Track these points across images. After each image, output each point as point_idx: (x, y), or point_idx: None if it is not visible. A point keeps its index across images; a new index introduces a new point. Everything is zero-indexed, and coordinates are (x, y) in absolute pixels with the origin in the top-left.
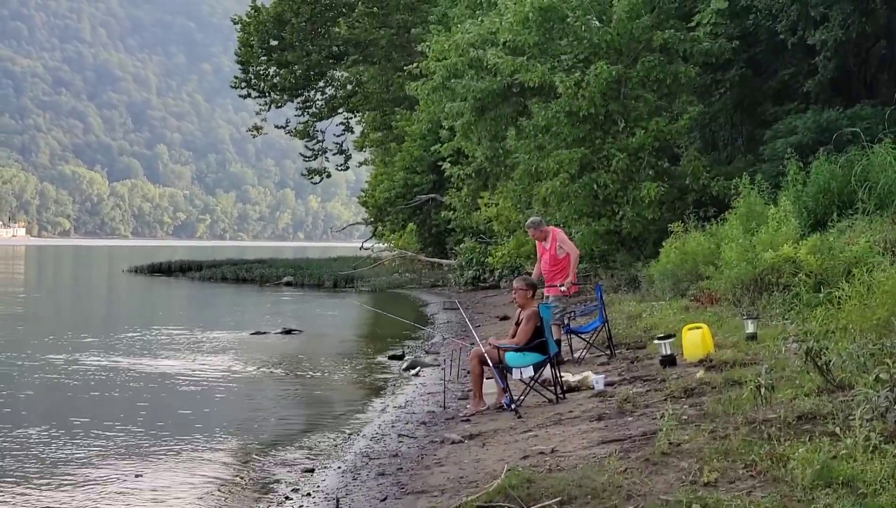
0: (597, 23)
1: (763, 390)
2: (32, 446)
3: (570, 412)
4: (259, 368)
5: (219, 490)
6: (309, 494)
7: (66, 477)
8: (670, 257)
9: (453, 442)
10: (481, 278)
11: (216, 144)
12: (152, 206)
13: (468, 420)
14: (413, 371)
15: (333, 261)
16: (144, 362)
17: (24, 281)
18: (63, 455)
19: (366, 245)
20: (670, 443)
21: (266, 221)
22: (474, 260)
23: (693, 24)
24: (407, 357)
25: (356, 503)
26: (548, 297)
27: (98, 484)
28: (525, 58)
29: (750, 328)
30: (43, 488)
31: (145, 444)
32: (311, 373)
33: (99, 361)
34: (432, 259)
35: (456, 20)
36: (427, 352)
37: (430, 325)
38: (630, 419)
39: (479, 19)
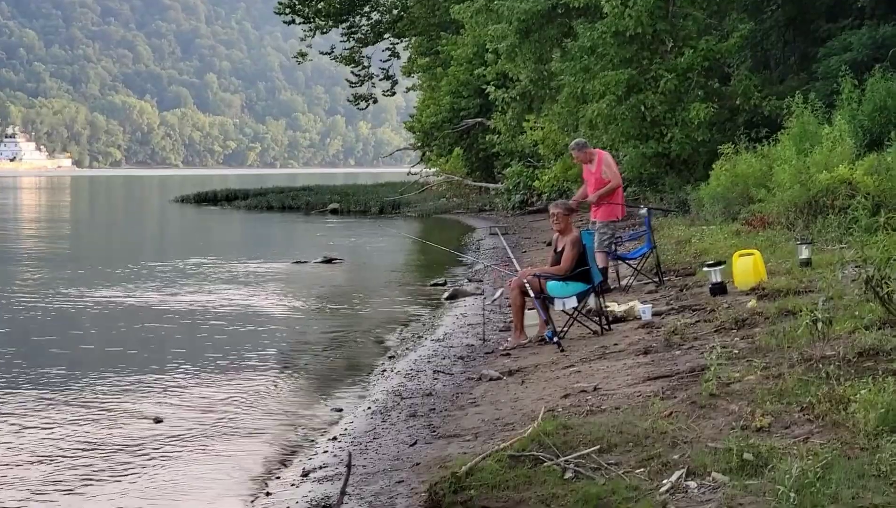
0: None
1: (820, 323)
2: (54, 379)
3: (616, 344)
4: (296, 299)
5: (244, 434)
6: (335, 438)
7: (88, 416)
8: (721, 180)
9: (491, 379)
10: (529, 201)
11: (265, 71)
12: (203, 135)
13: (508, 355)
14: (454, 301)
15: (381, 187)
16: (178, 295)
17: (67, 214)
18: (89, 391)
19: (413, 170)
20: (719, 382)
21: (316, 148)
22: (521, 184)
23: None
24: (449, 286)
25: (383, 448)
26: (594, 222)
27: (114, 425)
28: None
29: (804, 253)
30: (62, 423)
31: (169, 381)
32: (348, 305)
33: (133, 294)
34: (479, 183)
35: None
36: (470, 280)
37: (474, 251)
38: (678, 352)
39: None
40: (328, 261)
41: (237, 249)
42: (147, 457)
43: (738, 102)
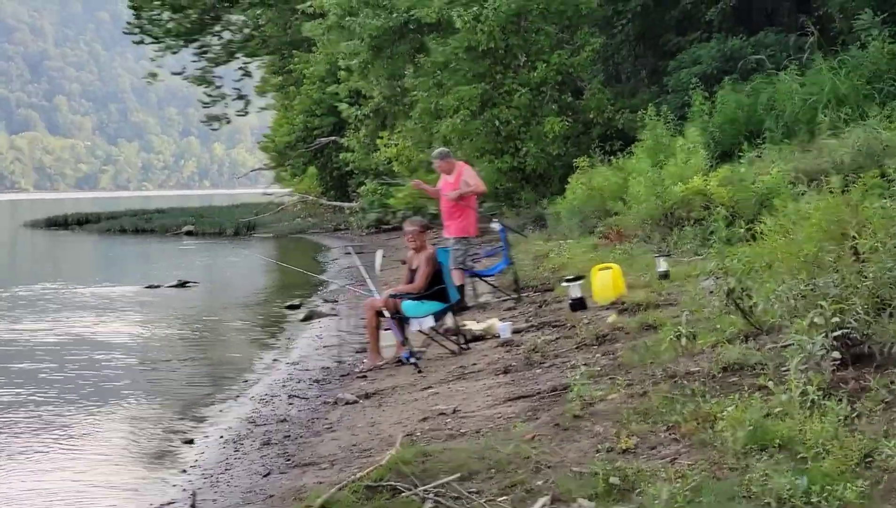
0: None
1: (683, 338)
2: None
3: (475, 364)
4: (147, 325)
5: (84, 471)
6: (185, 471)
7: None
8: (577, 194)
9: (347, 403)
10: (384, 220)
11: (117, 93)
12: (53, 158)
13: (365, 377)
14: (310, 322)
15: (236, 208)
16: (17, 323)
17: None
18: None
19: (268, 191)
20: (583, 402)
21: (171, 169)
22: (376, 202)
23: None
24: (304, 307)
25: (236, 480)
26: (447, 239)
27: None
28: None
29: (662, 266)
30: None
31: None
32: (201, 329)
33: None
34: (334, 203)
35: None
36: (325, 301)
37: (329, 271)
38: (539, 371)
39: None
40: (182, 284)
41: (87, 273)
42: None
43: (591, 116)
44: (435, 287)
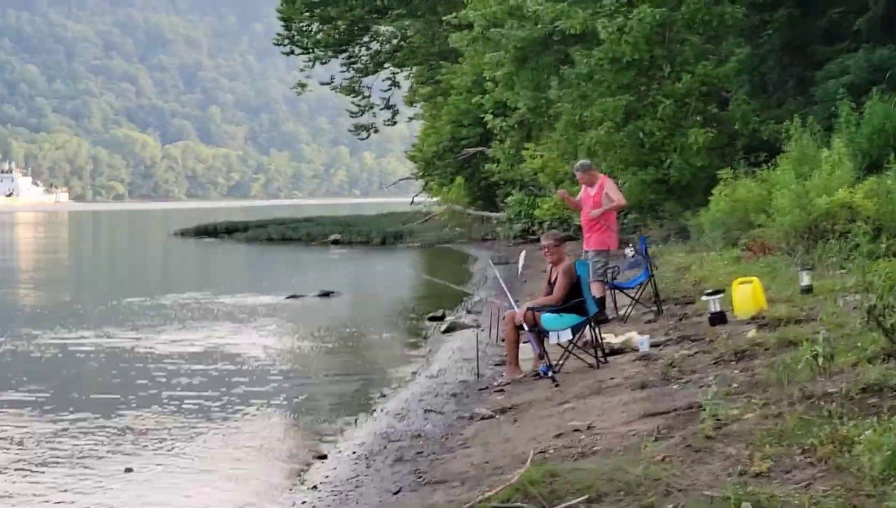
0: None
1: (821, 358)
2: (48, 428)
3: (612, 378)
4: (287, 336)
5: (217, 485)
6: (315, 487)
7: (57, 461)
8: (720, 206)
9: (483, 418)
10: (530, 230)
11: (269, 103)
12: (206, 167)
13: (502, 391)
14: (451, 334)
15: (384, 217)
16: (162, 334)
17: (62, 250)
18: (60, 435)
19: (416, 200)
20: (717, 422)
21: (321, 178)
22: (522, 213)
23: None
24: (447, 319)
25: (365, 497)
26: (587, 252)
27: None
28: (566, 4)
29: (805, 280)
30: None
31: (142, 426)
32: (342, 341)
33: (117, 333)
34: (481, 213)
35: None
36: (469, 312)
37: (473, 282)
38: (675, 387)
39: None
40: (325, 295)
41: (232, 282)
42: None
43: (736, 127)
44: (573, 300)
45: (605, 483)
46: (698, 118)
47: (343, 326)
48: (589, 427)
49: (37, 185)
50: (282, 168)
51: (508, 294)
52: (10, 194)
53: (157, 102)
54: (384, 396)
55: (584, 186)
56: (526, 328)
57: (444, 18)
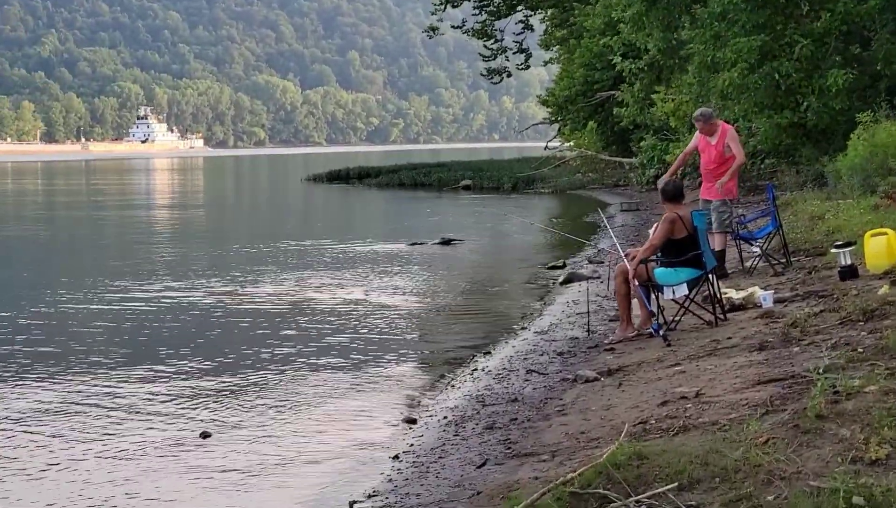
0: None
1: None
2: (176, 370)
3: (729, 338)
4: (403, 286)
5: (303, 452)
6: (397, 457)
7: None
8: (858, 151)
9: (587, 381)
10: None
11: (407, 48)
12: (345, 112)
13: (612, 349)
14: (569, 286)
15: (517, 162)
16: (272, 283)
17: (191, 197)
18: (166, 399)
19: (550, 145)
20: (832, 397)
21: (460, 123)
22: (655, 158)
23: None
24: (567, 269)
25: (447, 470)
26: (708, 202)
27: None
28: None
29: None
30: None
31: (228, 385)
32: (457, 292)
33: (226, 282)
34: (613, 158)
35: None
36: (590, 261)
37: (602, 229)
38: (796, 349)
39: None
40: (447, 242)
41: (356, 229)
42: (188, 477)
43: (878, 68)
44: (690, 253)
45: (699, 468)
46: (838, 59)
47: (460, 276)
48: (697, 395)
49: (172, 131)
50: (421, 113)
51: (619, 247)
52: (145, 140)
53: (296, 47)
54: (488, 354)
55: (702, 135)
56: (637, 283)
57: None
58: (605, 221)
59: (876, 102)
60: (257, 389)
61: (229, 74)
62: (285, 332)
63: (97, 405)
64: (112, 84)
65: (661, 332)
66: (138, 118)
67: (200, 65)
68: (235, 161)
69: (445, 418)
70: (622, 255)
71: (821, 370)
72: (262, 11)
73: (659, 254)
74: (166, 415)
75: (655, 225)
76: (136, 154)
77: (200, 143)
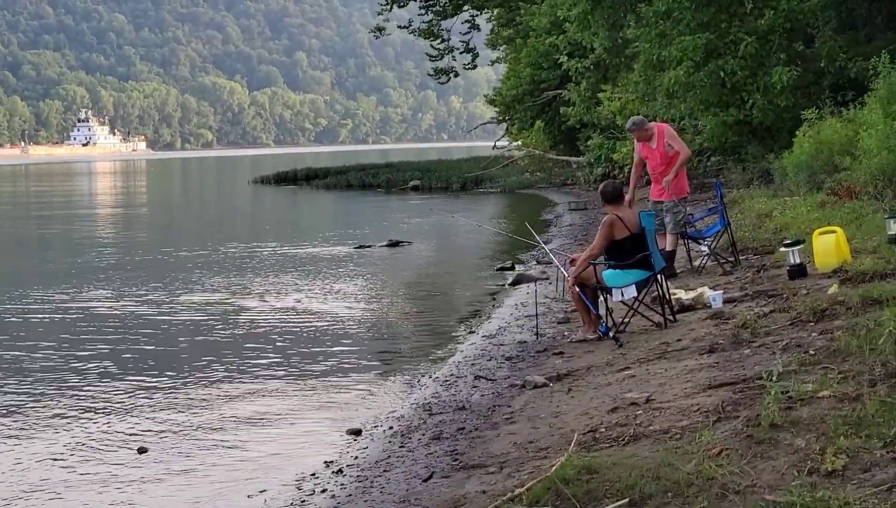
0: None
1: None
2: (108, 383)
3: (679, 340)
4: (347, 289)
5: (236, 467)
6: (340, 471)
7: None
8: (804, 148)
9: (535, 386)
10: (610, 174)
11: (355, 48)
12: (293, 113)
13: (561, 353)
14: (518, 287)
15: (465, 162)
16: (212, 287)
17: (134, 198)
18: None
19: (498, 144)
20: (785, 404)
21: (408, 123)
22: (602, 156)
23: None
24: (515, 270)
25: (391, 485)
26: (658, 202)
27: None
28: None
29: (893, 228)
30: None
31: (160, 399)
32: (403, 295)
33: (165, 288)
34: (561, 157)
35: None
36: (539, 262)
37: (550, 230)
38: (746, 351)
39: None
40: (394, 244)
41: (303, 232)
42: (124, 492)
43: (822, 65)
44: (634, 252)
45: (651, 482)
46: (782, 56)
47: (407, 280)
48: (647, 401)
49: (114, 134)
50: (369, 113)
51: (553, 257)
52: (86, 143)
53: (243, 48)
54: (435, 360)
55: (640, 143)
56: (577, 289)
57: None
58: (537, 238)
59: (820, 99)
60: (194, 402)
61: (176, 76)
62: (221, 340)
63: (22, 419)
64: (57, 87)
65: (610, 334)
66: (79, 121)
67: (146, 67)
68: (182, 163)
69: (391, 428)
70: (559, 265)
71: (773, 377)
72: (209, 13)
73: (604, 257)
74: (101, 431)
75: None
76: (76, 158)
77: (143, 145)
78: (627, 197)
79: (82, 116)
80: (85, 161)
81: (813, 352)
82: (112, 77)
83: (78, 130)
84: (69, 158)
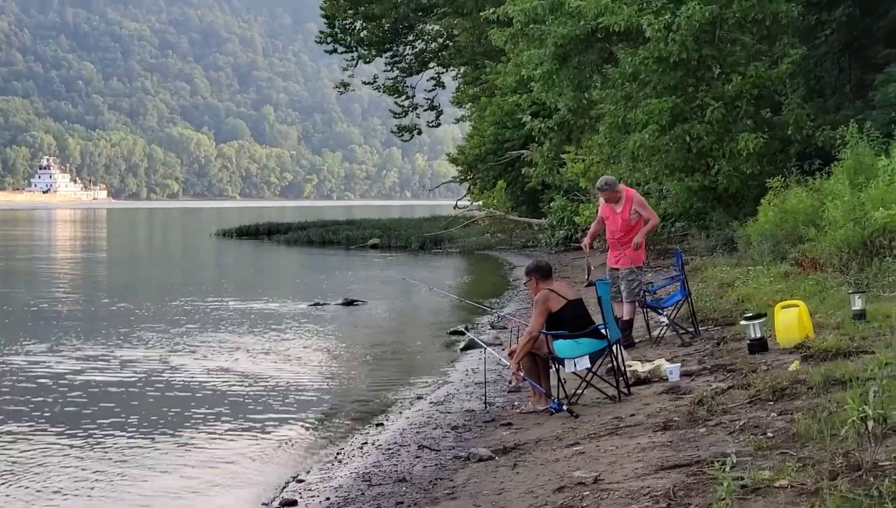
0: None
1: (871, 422)
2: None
3: (633, 415)
4: (297, 349)
5: None
6: None
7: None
8: (769, 216)
9: (480, 459)
10: (573, 237)
11: (322, 103)
12: (259, 166)
13: (509, 425)
14: (469, 352)
15: (426, 221)
16: (160, 342)
17: (92, 247)
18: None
19: (460, 204)
20: (740, 488)
21: (373, 180)
22: (565, 219)
23: None
24: (468, 335)
25: None
26: (614, 270)
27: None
28: None
29: (857, 304)
30: None
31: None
32: (353, 357)
33: (113, 344)
34: (522, 218)
35: None
36: (493, 327)
37: (506, 293)
38: (702, 430)
39: None
40: (349, 303)
41: (260, 287)
42: None
43: (789, 133)
44: (576, 319)
45: None
46: (749, 122)
47: (359, 340)
48: (595, 480)
49: (75, 182)
50: (334, 169)
51: (490, 351)
52: (47, 190)
53: (211, 100)
54: (379, 426)
55: (606, 203)
56: (522, 375)
57: (482, 14)
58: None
59: (786, 167)
60: (122, 464)
61: (143, 126)
62: (150, 402)
63: None
64: (24, 134)
65: (564, 408)
66: (40, 168)
67: (114, 116)
68: (146, 213)
69: (328, 499)
70: (500, 358)
71: (728, 465)
72: (178, 64)
73: (544, 330)
74: (20, 493)
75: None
76: (36, 204)
77: (104, 194)
78: (585, 241)
79: (44, 162)
80: (44, 208)
81: (771, 434)
82: (80, 125)
83: (39, 177)
84: (29, 204)
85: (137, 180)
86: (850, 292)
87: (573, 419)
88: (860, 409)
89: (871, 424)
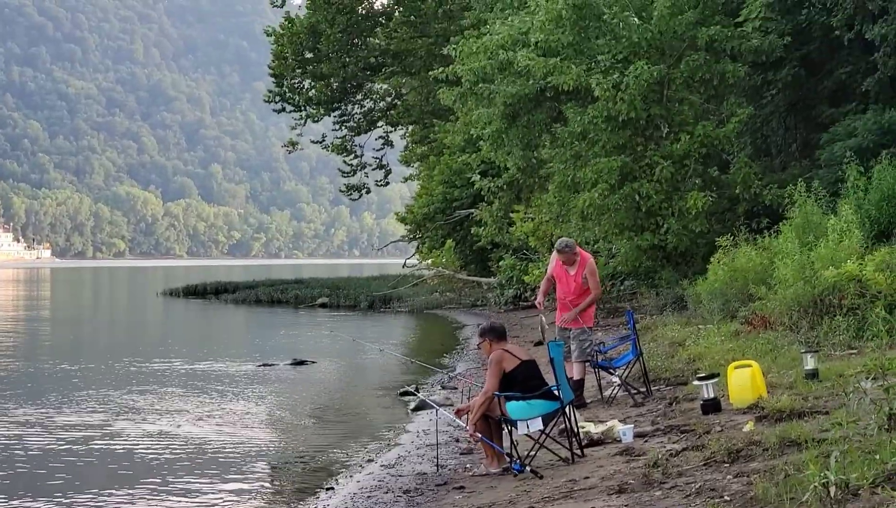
0: (636, 20)
1: (833, 488)
2: None
3: (587, 478)
4: (243, 411)
5: None
6: None
7: None
8: (718, 275)
9: None
10: (522, 296)
11: (270, 162)
12: (207, 225)
13: (462, 488)
14: (419, 413)
15: (374, 280)
16: (108, 404)
17: (36, 307)
18: None
19: (409, 263)
20: None
21: (321, 238)
22: (514, 278)
23: (741, 19)
24: (420, 394)
25: None
26: (565, 330)
27: None
28: (559, 59)
29: (809, 363)
30: None
31: None
32: (302, 418)
33: (47, 407)
34: (471, 277)
35: (490, 24)
36: (443, 387)
37: (456, 352)
38: (657, 493)
39: (510, 19)
40: (298, 363)
41: (207, 347)
42: None
43: (737, 191)
44: (529, 380)
45: None
46: (697, 181)
47: (308, 401)
48: None
49: (18, 240)
50: (282, 227)
51: (442, 412)
52: None
53: (158, 159)
54: (329, 490)
55: (560, 263)
56: (480, 436)
57: (430, 73)
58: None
59: (735, 225)
60: None
61: (90, 185)
62: (91, 468)
63: None
64: None
65: (527, 469)
66: None
67: (60, 174)
68: (93, 272)
69: None
70: (451, 419)
71: None
72: (125, 122)
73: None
74: None
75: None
76: None
77: (48, 253)
78: (538, 299)
79: None
80: None
81: (728, 498)
82: (25, 184)
83: None
84: None
85: (83, 239)
86: (803, 351)
87: (526, 483)
88: (822, 474)
89: (833, 490)
